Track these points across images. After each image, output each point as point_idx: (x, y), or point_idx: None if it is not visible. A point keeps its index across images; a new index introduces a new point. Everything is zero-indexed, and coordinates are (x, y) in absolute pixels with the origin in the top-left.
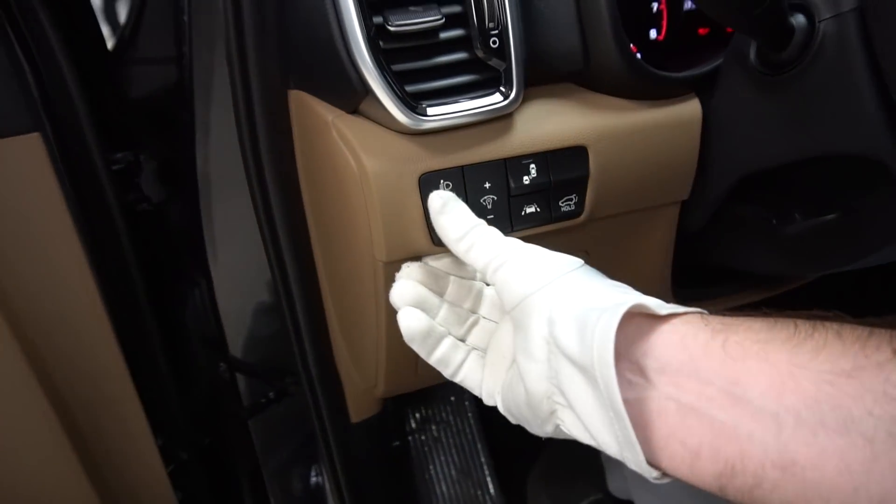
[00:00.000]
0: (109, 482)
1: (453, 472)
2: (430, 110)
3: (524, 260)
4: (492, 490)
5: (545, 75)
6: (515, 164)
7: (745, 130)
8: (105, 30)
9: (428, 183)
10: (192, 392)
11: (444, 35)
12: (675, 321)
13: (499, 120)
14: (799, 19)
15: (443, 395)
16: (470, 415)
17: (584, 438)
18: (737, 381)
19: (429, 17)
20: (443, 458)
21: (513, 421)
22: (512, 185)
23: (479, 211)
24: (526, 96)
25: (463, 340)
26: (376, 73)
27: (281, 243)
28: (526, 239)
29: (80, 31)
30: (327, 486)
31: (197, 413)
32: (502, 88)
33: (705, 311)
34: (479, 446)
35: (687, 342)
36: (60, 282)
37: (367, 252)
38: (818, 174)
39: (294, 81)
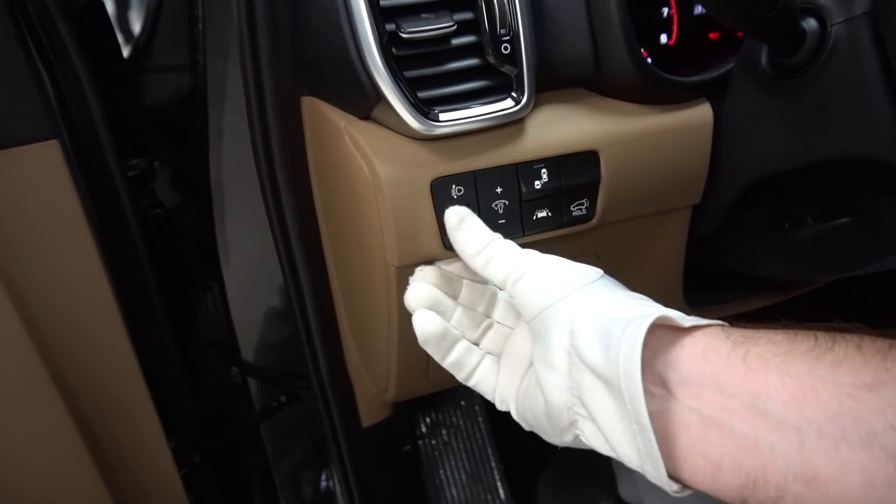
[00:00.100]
0: (123, 484)
1: (463, 477)
2: (442, 116)
3: (543, 271)
4: (502, 495)
5: (556, 80)
6: (527, 169)
7: (757, 134)
8: (120, 39)
9: (440, 188)
10: (204, 396)
11: (455, 41)
12: (697, 333)
13: (510, 125)
14: (810, 23)
15: (453, 399)
16: (480, 419)
17: (604, 450)
18: (758, 393)
19: (441, 23)
20: (453, 462)
21: (526, 428)
22: (523, 189)
23: (491, 216)
24: (537, 101)
25: (477, 344)
26: (389, 80)
27: (293, 248)
28: (537, 243)
29: (96, 40)
30: (338, 490)
31: (209, 417)
32: (514, 94)
33: (726, 324)
34: (489, 451)
35: (709, 354)
36: (76, 286)
37: (379, 257)
38: (830, 178)
39: (306, 88)
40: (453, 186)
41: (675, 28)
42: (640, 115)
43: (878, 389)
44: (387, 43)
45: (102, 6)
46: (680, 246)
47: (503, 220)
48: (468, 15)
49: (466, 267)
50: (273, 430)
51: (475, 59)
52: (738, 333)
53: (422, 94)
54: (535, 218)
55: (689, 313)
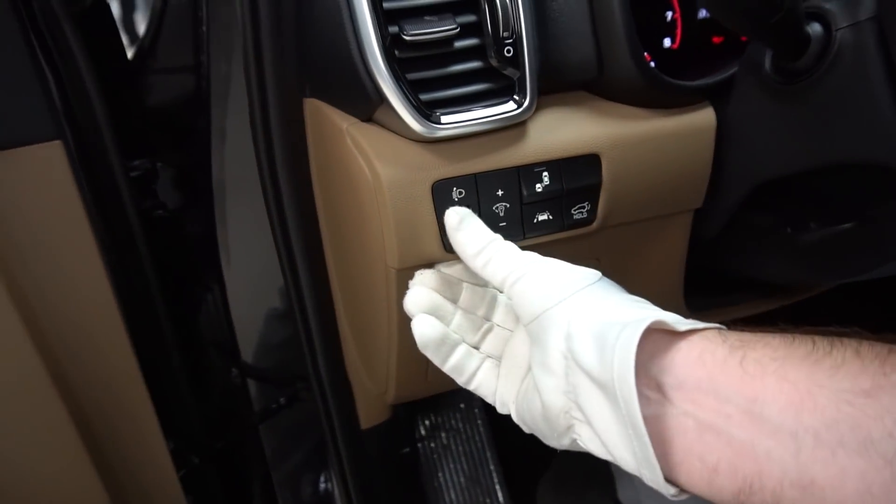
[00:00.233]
0: (121, 485)
1: (462, 480)
2: (444, 118)
3: (541, 274)
4: (501, 498)
5: (559, 83)
6: (528, 172)
7: (760, 139)
8: (125, 40)
9: (441, 190)
10: (204, 397)
11: (458, 44)
12: (693, 337)
13: (512, 128)
14: (815, 28)
15: (453, 402)
16: (479, 422)
17: (602, 454)
18: (755, 398)
19: (444, 26)
20: (452, 465)
21: (526, 430)
22: (524, 192)
23: (492, 218)
24: (539, 104)
25: (477, 348)
26: (391, 82)
27: (294, 249)
28: (538, 246)
29: (101, 41)
30: (336, 491)
31: (209, 418)
32: (516, 97)
33: (723, 327)
34: (488, 454)
35: (705, 358)
36: (78, 286)
37: (380, 259)
38: (833, 183)
39: (309, 89)
40: (454, 189)
41: (678, 32)
42: (643, 119)
43: (875, 396)
44: (389, 45)
45: (108, 7)
46: (681, 250)
47: (504, 223)
48: (471, 18)
49: (466, 270)
50: (272, 432)
51: (478, 62)
52: (735, 337)
53: (424, 97)
54: (535, 221)
55: (688, 317)
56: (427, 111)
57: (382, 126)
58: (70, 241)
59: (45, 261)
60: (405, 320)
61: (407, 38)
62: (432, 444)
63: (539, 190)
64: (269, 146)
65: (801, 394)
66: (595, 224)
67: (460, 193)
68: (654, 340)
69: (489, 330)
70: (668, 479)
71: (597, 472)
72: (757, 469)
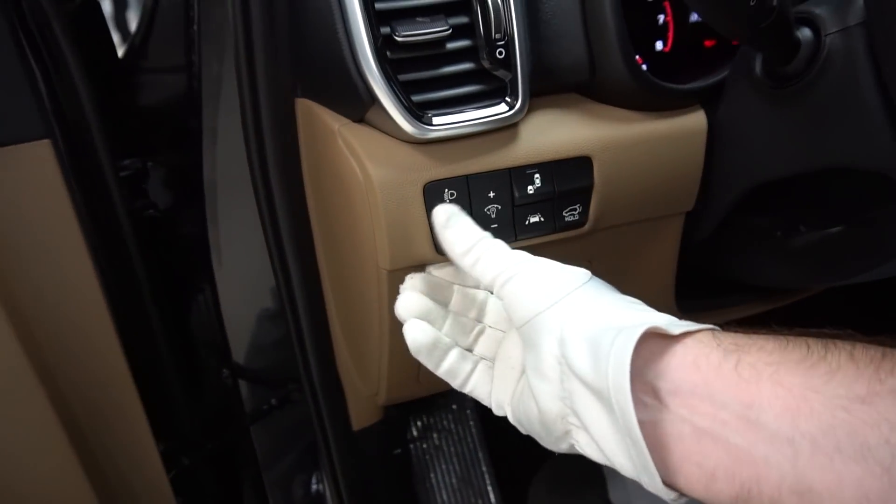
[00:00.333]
0: (111, 487)
1: (454, 481)
2: (435, 120)
3: (532, 275)
4: (493, 499)
5: (551, 86)
6: (520, 174)
7: (751, 142)
8: (116, 39)
9: (432, 192)
10: (195, 398)
11: (450, 45)
12: (687, 341)
13: (504, 130)
14: (805, 33)
15: (445, 403)
16: (472, 423)
17: (600, 459)
18: (751, 404)
19: (436, 27)
20: (444, 466)
21: (523, 432)
22: (516, 194)
23: (483, 220)
24: (531, 106)
25: (470, 350)
26: (383, 83)
27: (285, 250)
28: (530, 248)
29: (91, 40)
30: (328, 493)
31: (200, 419)
32: (508, 99)
33: (717, 328)
34: (480, 455)
35: (700, 363)
36: (67, 286)
37: (371, 260)
38: (823, 186)
39: (301, 89)
40: (446, 190)
41: (670, 35)
42: (634, 122)
43: (871, 402)
44: (381, 46)
45: (98, 6)
46: (673, 252)
47: (495, 225)
48: (463, 19)
49: (457, 271)
50: (264, 433)
51: (470, 64)
52: (730, 341)
53: (416, 98)
54: (527, 223)
55: (680, 319)
56: (419, 112)
57: (374, 127)
58: (59, 240)
59: (33, 260)
60: (397, 322)
61: (399, 39)
62: (424, 445)
63: (531, 192)
64: (261, 146)
65: (797, 399)
66: (587, 226)
67: (452, 195)
68: (649, 345)
69: (481, 332)
70: (667, 484)
71: (588, 473)
72: (755, 475)
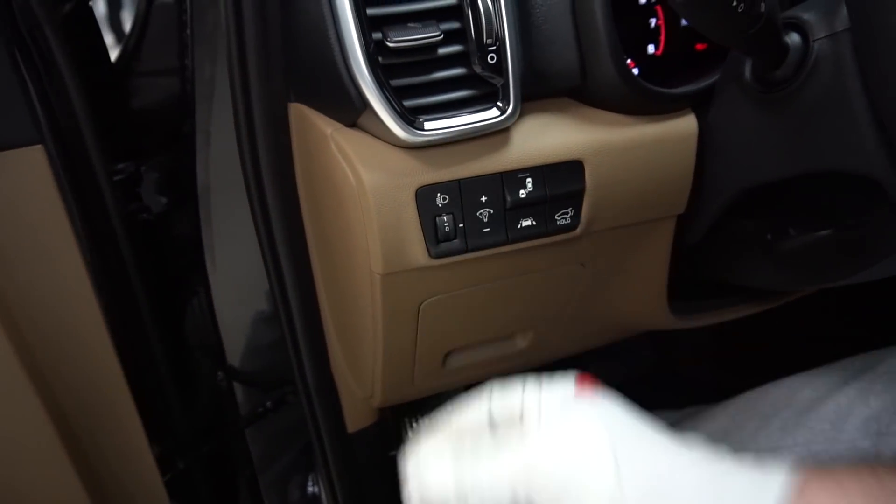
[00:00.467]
0: (105, 491)
1: None
2: (427, 125)
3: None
4: None
5: (542, 90)
6: (512, 178)
7: (741, 146)
8: (109, 43)
9: (425, 196)
10: (190, 401)
11: (442, 51)
12: None
13: (496, 134)
14: (793, 38)
15: (440, 404)
16: None
17: None
18: None
19: (427, 33)
20: None
21: None
22: (508, 198)
23: (475, 224)
24: (523, 111)
25: None
26: (375, 88)
27: (279, 253)
28: (522, 251)
29: (84, 44)
30: (324, 495)
31: (195, 422)
32: (499, 103)
33: None
34: None
35: None
36: (60, 290)
37: (364, 264)
38: (813, 190)
39: (294, 94)
40: (438, 195)
41: (662, 39)
42: (626, 126)
43: None
44: (373, 51)
45: (90, 11)
46: (665, 255)
47: (487, 229)
48: (455, 25)
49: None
50: (259, 436)
51: (461, 69)
52: None
53: (408, 103)
54: (519, 226)
55: (674, 321)
56: (411, 117)
57: (367, 132)
58: (52, 245)
59: (27, 265)
60: (390, 325)
61: (391, 44)
62: None
63: (523, 196)
64: (254, 150)
65: None
66: (579, 230)
67: (444, 199)
68: None
69: None
70: None
71: None
72: None
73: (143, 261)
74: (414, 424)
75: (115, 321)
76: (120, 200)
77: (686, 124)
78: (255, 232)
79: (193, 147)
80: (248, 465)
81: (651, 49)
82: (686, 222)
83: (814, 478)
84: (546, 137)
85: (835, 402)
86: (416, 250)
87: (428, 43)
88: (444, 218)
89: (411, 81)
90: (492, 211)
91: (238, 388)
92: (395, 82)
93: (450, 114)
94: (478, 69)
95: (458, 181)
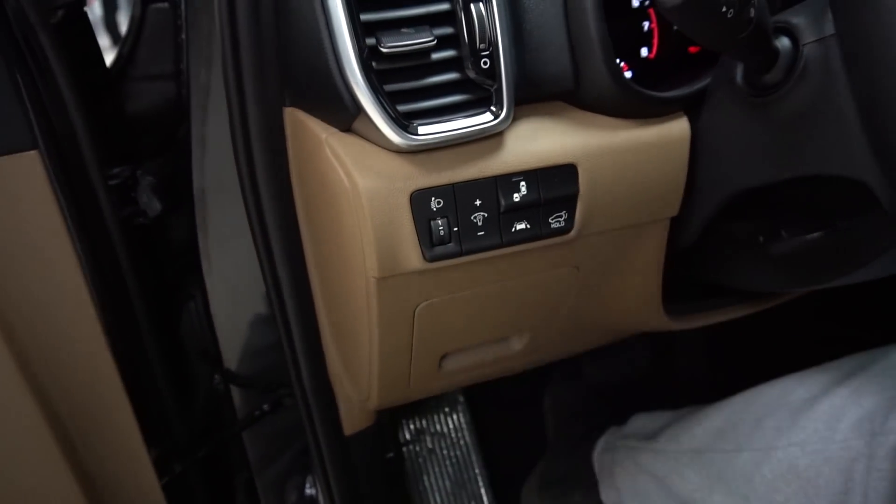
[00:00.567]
0: (102, 494)
1: (447, 484)
2: (421, 129)
3: None
4: (486, 502)
5: (535, 95)
6: (506, 182)
7: (733, 150)
8: (104, 48)
9: (419, 200)
10: (186, 404)
11: (435, 56)
12: None
13: (489, 138)
14: (784, 42)
15: (438, 406)
16: (465, 426)
17: None
18: None
19: (421, 38)
20: (437, 469)
21: None
22: (502, 202)
23: (470, 228)
24: (517, 114)
25: None
26: (368, 94)
27: (275, 257)
28: (517, 254)
29: (79, 49)
30: (321, 497)
31: (192, 425)
32: (493, 108)
33: None
34: (473, 458)
35: None
36: (56, 295)
37: (360, 267)
38: (804, 193)
39: (289, 98)
40: (432, 199)
41: (655, 42)
42: (619, 129)
43: None
44: (367, 57)
45: (85, 16)
46: (659, 257)
47: (482, 232)
48: (448, 30)
49: None
50: (256, 438)
51: (455, 74)
52: None
53: (402, 108)
54: (513, 229)
55: (668, 323)
56: (404, 122)
57: (361, 136)
58: (49, 250)
59: (23, 271)
60: (386, 327)
61: (384, 49)
62: (417, 449)
63: (517, 199)
64: (249, 154)
65: None
66: (573, 232)
67: (439, 203)
68: None
69: None
70: None
71: (580, 475)
72: None
73: (140, 265)
74: (411, 427)
75: (112, 325)
76: (116, 205)
77: (679, 127)
78: (251, 235)
79: (189, 151)
80: (245, 468)
81: (644, 52)
82: (679, 225)
83: None
84: (540, 141)
85: (828, 402)
86: (411, 254)
87: (421, 48)
88: (439, 221)
89: (405, 86)
90: (486, 214)
91: (235, 391)
92: (388, 87)
93: (443, 118)
94: (471, 74)
95: (453, 185)
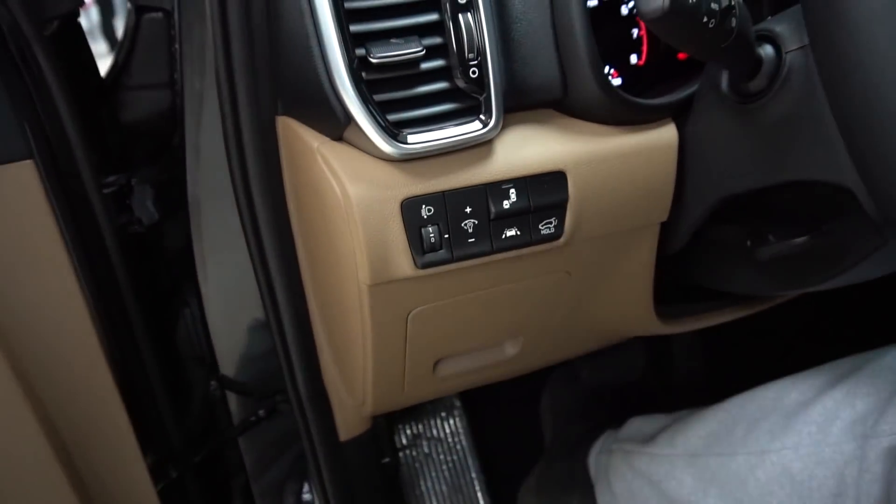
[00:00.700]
0: (98, 500)
1: (444, 489)
2: (410, 138)
3: None
4: None
5: (524, 103)
6: (496, 189)
7: (720, 156)
8: (98, 57)
9: (410, 208)
10: (182, 410)
11: (424, 66)
12: None
13: (479, 146)
14: (767, 50)
15: (434, 410)
16: (461, 430)
17: None
18: None
19: (410, 48)
20: (434, 474)
21: None
22: (492, 209)
23: (460, 235)
24: (506, 122)
25: None
26: (358, 103)
27: (269, 264)
28: (508, 261)
29: (72, 59)
30: (318, 503)
31: (188, 431)
32: (482, 116)
33: None
34: (469, 462)
35: None
36: (52, 304)
37: (352, 274)
38: (791, 198)
39: (282, 107)
40: (423, 207)
41: (644, 48)
42: (607, 136)
43: None
44: (357, 67)
45: (79, 27)
46: (649, 262)
47: (472, 239)
48: (437, 40)
49: None
50: (252, 444)
51: (444, 83)
52: None
53: (391, 117)
54: (504, 236)
55: (660, 326)
56: (395, 131)
57: (352, 145)
58: (44, 259)
59: (18, 279)
60: (379, 334)
61: (374, 60)
62: (413, 453)
63: (507, 206)
64: (243, 162)
65: None
66: (563, 239)
67: (429, 211)
68: None
69: None
70: None
71: (577, 478)
72: None
73: (135, 272)
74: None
75: (108, 333)
76: (111, 213)
77: (667, 134)
78: (245, 242)
79: (183, 159)
80: (241, 474)
81: (634, 59)
82: (669, 230)
83: None
84: (529, 149)
85: (822, 405)
86: (403, 261)
87: (410, 58)
88: (430, 229)
89: (395, 96)
90: (476, 221)
91: (231, 398)
92: (378, 97)
93: (433, 127)
94: (460, 83)
95: (443, 193)
